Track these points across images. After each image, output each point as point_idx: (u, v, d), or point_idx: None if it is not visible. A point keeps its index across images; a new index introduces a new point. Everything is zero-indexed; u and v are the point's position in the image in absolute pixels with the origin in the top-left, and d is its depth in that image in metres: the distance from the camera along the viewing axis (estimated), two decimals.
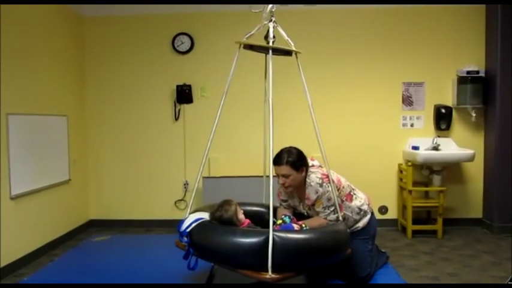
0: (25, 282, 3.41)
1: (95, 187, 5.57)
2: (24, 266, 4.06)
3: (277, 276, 2.33)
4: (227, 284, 3.14)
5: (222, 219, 2.71)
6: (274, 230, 2.40)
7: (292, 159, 2.87)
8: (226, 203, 2.79)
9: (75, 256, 4.00)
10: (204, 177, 5.10)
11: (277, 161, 2.88)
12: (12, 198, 3.93)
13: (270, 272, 2.31)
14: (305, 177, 2.93)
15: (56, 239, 4.71)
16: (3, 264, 3.80)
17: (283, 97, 5.04)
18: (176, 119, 5.45)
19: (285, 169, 2.86)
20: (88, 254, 4.04)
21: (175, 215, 5.31)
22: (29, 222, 4.25)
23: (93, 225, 5.53)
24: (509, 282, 2.38)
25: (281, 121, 5.00)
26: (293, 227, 2.79)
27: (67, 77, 5.08)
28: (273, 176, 2.54)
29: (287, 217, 2.94)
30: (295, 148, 2.97)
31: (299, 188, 2.97)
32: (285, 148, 2.96)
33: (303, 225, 2.82)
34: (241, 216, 2.80)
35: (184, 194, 5.49)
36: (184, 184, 5.48)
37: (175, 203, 5.50)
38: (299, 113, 5.05)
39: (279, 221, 2.91)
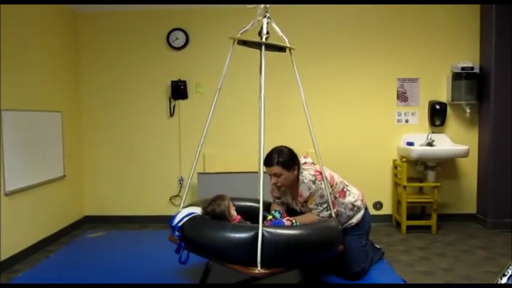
0: (20, 278, 3.39)
1: (89, 183, 5.56)
2: (19, 262, 4.07)
3: (266, 271, 2.34)
4: (221, 284, 3.14)
5: (214, 213, 2.71)
6: (264, 226, 2.41)
7: (283, 159, 2.86)
8: (219, 197, 2.80)
9: (70, 252, 3.99)
10: (199, 173, 5.11)
11: (268, 162, 2.87)
12: (6, 195, 3.93)
13: (259, 267, 2.32)
14: (297, 175, 2.92)
15: (50, 235, 4.71)
16: None
17: (279, 93, 5.05)
18: (171, 114, 5.44)
19: (276, 169, 2.86)
20: (83, 250, 4.03)
21: (170, 211, 5.28)
22: (24, 218, 4.24)
23: (88, 221, 5.53)
24: (499, 282, 2.38)
25: (277, 117, 5.03)
26: (283, 223, 2.80)
27: (61, 73, 5.06)
28: (264, 172, 2.54)
29: (277, 212, 2.95)
30: (285, 147, 2.96)
31: (291, 186, 2.97)
32: (275, 148, 2.94)
33: (294, 221, 2.83)
34: (233, 212, 2.80)
35: (180, 190, 5.49)
36: (180, 180, 5.48)
37: (170, 198, 5.50)
38: (295, 110, 5.02)
39: (270, 216, 2.92)
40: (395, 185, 5.28)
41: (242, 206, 3.03)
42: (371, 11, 5.30)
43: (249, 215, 2.91)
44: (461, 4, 5.19)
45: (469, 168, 5.35)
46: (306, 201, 2.93)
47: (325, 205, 2.88)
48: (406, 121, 5.38)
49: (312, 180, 2.87)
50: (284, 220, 2.85)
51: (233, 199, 2.90)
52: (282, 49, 2.93)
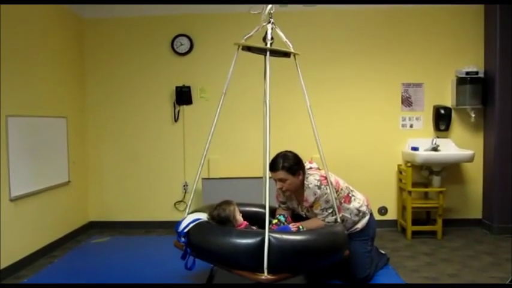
0: (25, 283, 3.41)
1: (94, 188, 5.57)
2: (24, 267, 4.07)
3: (273, 277, 2.33)
4: (227, 284, 3.14)
5: (219, 217, 2.72)
6: (270, 231, 2.40)
7: (288, 164, 2.86)
8: (225, 202, 2.80)
9: (75, 258, 4.00)
10: (203, 179, 5.11)
11: (273, 167, 2.87)
12: (11, 200, 3.94)
13: (265, 273, 2.32)
14: (302, 180, 2.92)
15: (55, 240, 4.71)
16: (3, 266, 3.80)
17: (282, 98, 5.05)
18: (176, 120, 5.45)
19: (282, 174, 2.86)
20: (88, 256, 4.03)
21: (174, 216, 5.30)
22: (29, 224, 4.25)
23: (93, 227, 5.54)
24: (509, 283, 2.37)
25: (280, 122, 5.02)
26: (290, 228, 2.79)
27: (66, 79, 5.09)
28: (270, 177, 2.54)
29: (282, 216, 2.95)
30: (290, 152, 2.95)
31: (297, 191, 2.97)
32: (281, 153, 2.94)
33: (300, 227, 2.82)
34: (239, 217, 2.79)
35: (184, 195, 5.49)
36: (184, 185, 5.48)
37: (174, 204, 5.50)
38: (298, 115, 5.01)
39: (275, 221, 2.92)
40: (400, 190, 5.26)
41: (248, 212, 3.03)
42: (375, 16, 5.30)
43: (255, 220, 2.91)
44: (465, 4, 5.18)
45: (475, 173, 5.32)
46: (311, 207, 2.93)
47: (330, 210, 2.87)
48: (411, 126, 5.37)
49: (317, 185, 2.87)
50: (290, 226, 2.84)
51: (238, 204, 2.90)
52: (286, 54, 2.94)
